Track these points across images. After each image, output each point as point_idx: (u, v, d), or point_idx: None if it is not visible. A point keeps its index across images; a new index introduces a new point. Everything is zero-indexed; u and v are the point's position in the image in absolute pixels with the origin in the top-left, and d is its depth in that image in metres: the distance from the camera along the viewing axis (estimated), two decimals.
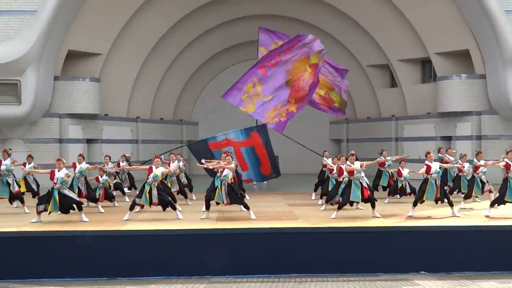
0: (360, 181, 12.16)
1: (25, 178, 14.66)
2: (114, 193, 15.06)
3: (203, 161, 14.37)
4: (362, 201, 12.30)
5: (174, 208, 12.21)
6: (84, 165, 13.57)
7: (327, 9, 24.43)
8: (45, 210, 11.62)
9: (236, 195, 12.12)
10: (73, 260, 10.20)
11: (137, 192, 12.70)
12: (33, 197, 14.40)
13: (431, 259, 10.43)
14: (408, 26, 22.72)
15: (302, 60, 18.11)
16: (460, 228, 10.98)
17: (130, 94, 24.09)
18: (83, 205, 12.26)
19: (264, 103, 18.32)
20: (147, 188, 11.88)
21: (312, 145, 24.59)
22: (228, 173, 12.11)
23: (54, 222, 11.76)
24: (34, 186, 14.76)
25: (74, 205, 11.86)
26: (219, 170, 12.37)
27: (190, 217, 12.42)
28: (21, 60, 18.77)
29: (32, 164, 14.69)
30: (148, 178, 11.92)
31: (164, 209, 12.37)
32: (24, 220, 12.02)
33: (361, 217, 12.22)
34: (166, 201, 12.09)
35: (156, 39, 24.00)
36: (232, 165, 12.37)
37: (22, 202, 13.68)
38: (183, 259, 10.32)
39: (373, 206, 12.25)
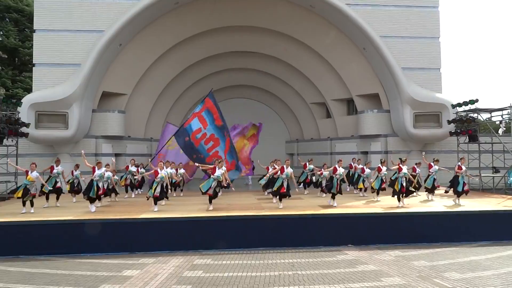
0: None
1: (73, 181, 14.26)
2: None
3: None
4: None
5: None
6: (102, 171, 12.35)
7: (283, 65, 24.66)
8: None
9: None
10: (104, 239, 9.88)
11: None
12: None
13: (356, 236, 10.45)
14: (338, 77, 23.06)
15: (239, 140, 18.24)
16: (373, 214, 11.06)
17: (146, 121, 23.74)
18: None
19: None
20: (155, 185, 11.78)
21: (274, 157, 24.55)
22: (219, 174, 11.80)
23: (88, 212, 11.38)
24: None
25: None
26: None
27: (188, 208, 12.19)
28: (69, 98, 18.34)
29: (79, 171, 14.40)
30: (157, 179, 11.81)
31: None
32: (63, 212, 11.58)
33: (308, 206, 12.18)
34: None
35: (165, 84, 23.80)
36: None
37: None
38: (182, 238, 10.09)
39: (280, 199, 12.22)
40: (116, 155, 21.23)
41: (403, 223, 10.74)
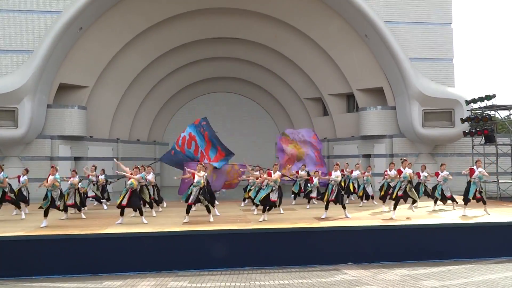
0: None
1: (20, 189, 13.91)
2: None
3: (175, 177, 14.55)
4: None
5: (141, 214, 11.86)
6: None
7: (273, 53, 24.78)
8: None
9: (207, 194, 12.01)
10: (61, 259, 9.74)
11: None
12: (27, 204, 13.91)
13: (356, 252, 10.52)
14: (336, 68, 23.26)
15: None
16: (377, 227, 11.14)
17: (111, 119, 23.59)
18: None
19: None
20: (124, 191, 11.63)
21: (263, 161, 24.63)
22: (199, 180, 11.79)
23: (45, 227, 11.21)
24: (26, 195, 14.00)
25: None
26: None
27: (161, 221, 12.12)
28: (19, 91, 18.10)
29: (26, 176, 14.05)
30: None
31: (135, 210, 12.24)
32: (16, 226, 11.39)
33: (301, 219, 12.22)
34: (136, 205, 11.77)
35: (134, 75, 23.68)
36: (202, 173, 11.93)
37: (19, 207, 13.06)
38: (154, 257, 10.01)
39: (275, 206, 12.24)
40: (76, 158, 21.01)
41: (410, 237, 10.85)
